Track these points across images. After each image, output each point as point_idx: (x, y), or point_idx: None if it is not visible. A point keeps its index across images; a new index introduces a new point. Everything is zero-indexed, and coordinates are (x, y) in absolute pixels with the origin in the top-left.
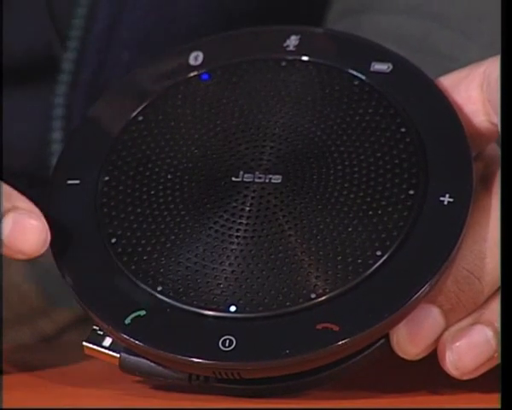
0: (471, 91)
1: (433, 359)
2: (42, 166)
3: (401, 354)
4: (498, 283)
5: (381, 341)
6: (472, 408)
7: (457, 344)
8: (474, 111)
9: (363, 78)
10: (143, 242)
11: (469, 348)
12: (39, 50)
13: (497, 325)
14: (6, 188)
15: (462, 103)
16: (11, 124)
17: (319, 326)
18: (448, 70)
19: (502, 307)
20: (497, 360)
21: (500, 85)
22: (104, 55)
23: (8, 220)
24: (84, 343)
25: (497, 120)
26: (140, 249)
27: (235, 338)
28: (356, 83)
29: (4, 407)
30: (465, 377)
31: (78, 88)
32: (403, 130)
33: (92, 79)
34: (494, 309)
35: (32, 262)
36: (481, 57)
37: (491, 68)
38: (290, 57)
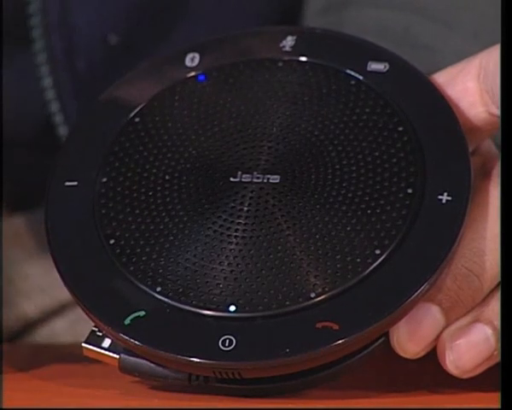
0: (467, 83)
1: (432, 358)
2: (39, 116)
3: (401, 353)
4: (497, 280)
5: (381, 339)
6: (472, 408)
7: (457, 343)
8: (472, 103)
9: (360, 77)
10: (142, 242)
11: (469, 347)
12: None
13: (497, 323)
14: None
15: (460, 96)
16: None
17: (319, 325)
18: (431, 62)
19: (502, 305)
20: (497, 359)
21: (500, 76)
22: None
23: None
24: (84, 345)
25: (495, 110)
26: (139, 250)
27: (235, 338)
28: (353, 82)
29: (4, 406)
30: (465, 376)
31: (50, 27)
32: (400, 129)
33: (60, 15)
34: (493, 307)
35: (17, 245)
36: (464, 48)
37: (488, 59)
38: (286, 58)
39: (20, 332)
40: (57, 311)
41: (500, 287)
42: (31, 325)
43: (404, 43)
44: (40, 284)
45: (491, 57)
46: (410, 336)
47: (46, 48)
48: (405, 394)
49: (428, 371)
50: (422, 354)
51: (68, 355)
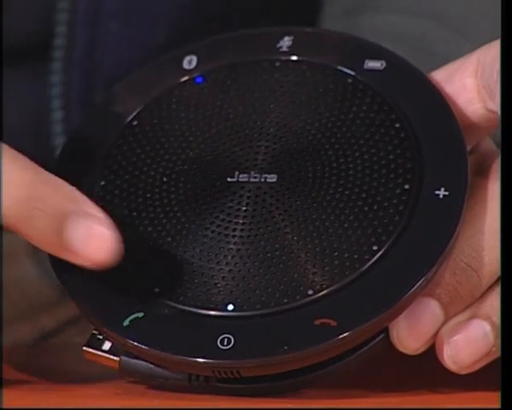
0: (465, 79)
1: (433, 357)
2: (42, 147)
3: (401, 349)
4: (496, 275)
5: (380, 336)
6: (472, 408)
7: (455, 338)
8: (470, 99)
9: (357, 75)
10: (140, 244)
11: (467, 343)
12: (36, 29)
13: (495, 319)
14: (67, 187)
15: (457, 93)
16: (9, 107)
17: (317, 322)
18: None
19: (502, 302)
20: (496, 355)
21: (500, 76)
22: (93, 26)
23: (78, 226)
24: (84, 348)
25: (492, 105)
26: (137, 252)
27: (234, 336)
28: (349, 81)
29: (4, 406)
30: (463, 372)
31: (72, 63)
32: (397, 125)
33: (85, 53)
34: (492, 303)
35: (32, 259)
36: None
37: (485, 55)
38: (284, 58)
39: (35, 342)
40: (72, 321)
41: (499, 283)
42: (46, 335)
43: (419, 50)
44: (56, 297)
45: (489, 53)
46: (410, 332)
47: (64, 58)
48: (405, 394)
49: (428, 371)
50: (422, 349)
51: (68, 356)
